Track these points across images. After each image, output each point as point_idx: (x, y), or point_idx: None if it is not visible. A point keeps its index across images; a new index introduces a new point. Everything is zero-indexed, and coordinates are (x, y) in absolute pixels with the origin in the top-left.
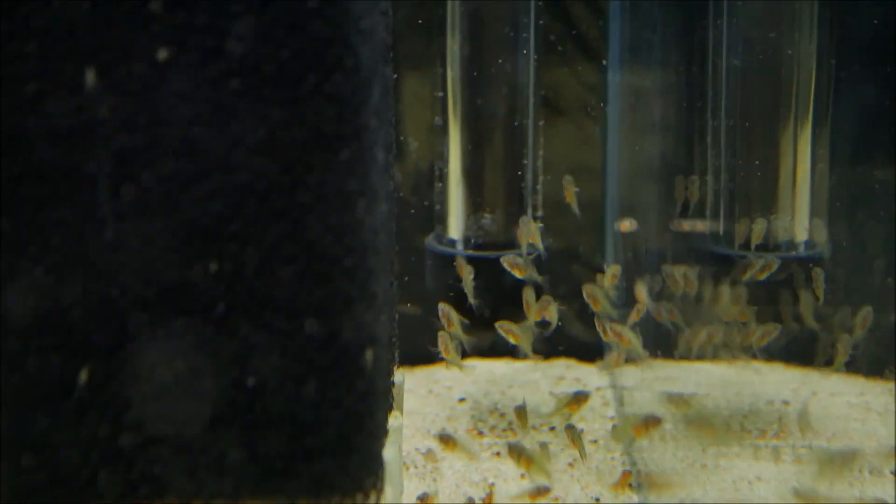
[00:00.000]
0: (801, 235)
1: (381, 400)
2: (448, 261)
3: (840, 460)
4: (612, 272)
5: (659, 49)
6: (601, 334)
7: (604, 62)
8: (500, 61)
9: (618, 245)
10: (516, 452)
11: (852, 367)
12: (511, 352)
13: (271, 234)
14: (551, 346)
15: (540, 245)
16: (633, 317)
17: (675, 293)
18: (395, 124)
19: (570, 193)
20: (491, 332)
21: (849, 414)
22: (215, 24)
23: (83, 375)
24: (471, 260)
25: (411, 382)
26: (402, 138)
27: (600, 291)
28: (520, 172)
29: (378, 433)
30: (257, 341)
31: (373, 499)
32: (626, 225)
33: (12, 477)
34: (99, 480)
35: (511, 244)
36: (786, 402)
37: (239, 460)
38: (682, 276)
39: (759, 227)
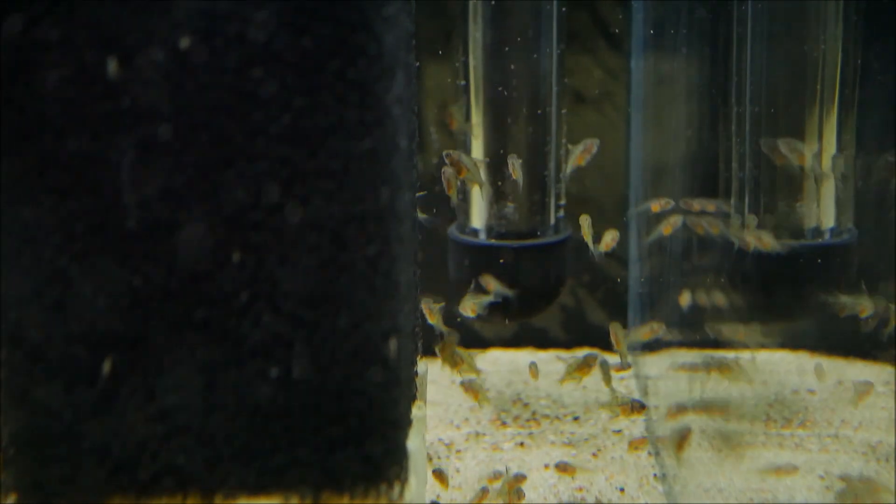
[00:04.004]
0: (828, 222)
1: (404, 390)
2: (469, 250)
3: None
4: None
5: (683, 35)
6: None
7: (627, 49)
8: (522, 49)
9: (641, 235)
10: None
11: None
12: (534, 342)
13: (294, 223)
14: (574, 335)
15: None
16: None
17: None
18: (418, 112)
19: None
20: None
21: (875, 402)
22: (238, 11)
23: (107, 366)
24: (492, 249)
25: (434, 373)
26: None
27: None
28: (543, 161)
29: (402, 423)
30: (280, 331)
31: (397, 489)
32: (657, 205)
33: (35, 469)
34: (122, 472)
35: (533, 233)
36: (811, 391)
37: (262, 451)
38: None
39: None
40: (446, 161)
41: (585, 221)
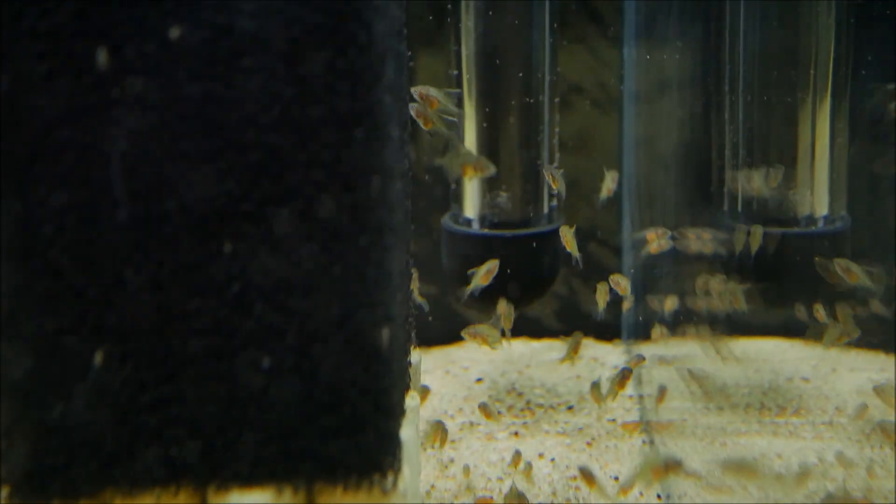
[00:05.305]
0: (821, 210)
1: (397, 379)
2: (463, 240)
3: None
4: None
5: (675, 24)
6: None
7: (620, 38)
8: (515, 38)
9: (634, 223)
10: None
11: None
12: (528, 331)
13: (285, 213)
14: (569, 324)
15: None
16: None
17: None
18: (410, 102)
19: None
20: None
21: (869, 390)
22: (227, 1)
23: (98, 357)
24: (486, 239)
25: (428, 363)
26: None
27: (570, 232)
28: (535, 150)
29: (395, 413)
30: (272, 321)
31: (390, 479)
32: (655, 246)
33: (29, 461)
34: (114, 464)
35: (526, 222)
36: (805, 379)
37: (255, 441)
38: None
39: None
40: (416, 98)
41: (568, 233)
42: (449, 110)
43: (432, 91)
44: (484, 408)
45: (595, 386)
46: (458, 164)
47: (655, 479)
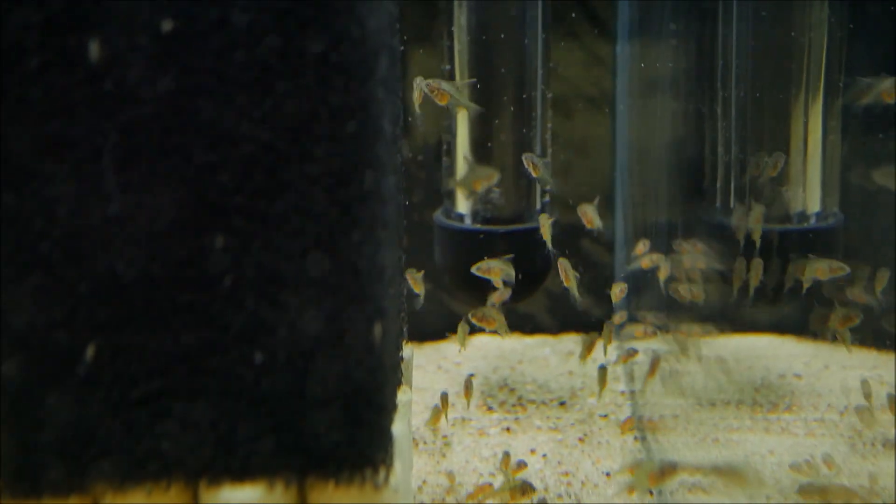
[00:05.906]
0: (814, 207)
1: (389, 374)
2: (455, 235)
3: None
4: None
5: (668, 20)
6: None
7: (613, 33)
8: (508, 33)
9: (627, 219)
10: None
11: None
12: (520, 327)
13: (278, 207)
14: (561, 321)
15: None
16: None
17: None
18: (402, 97)
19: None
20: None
21: (861, 387)
22: None
23: (89, 351)
24: (479, 234)
25: (420, 358)
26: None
27: (548, 222)
28: (528, 145)
29: (387, 408)
30: (264, 315)
31: (382, 474)
32: (647, 261)
33: (19, 454)
34: (106, 457)
35: (519, 218)
36: (797, 376)
37: (247, 436)
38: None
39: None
40: (425, 90)
41: (545, 222)
42: (463, 103)
43: (444, 85)
44: (467, 386)
45: (602, 369)
46: (471, 184)
47: (652, 485)
